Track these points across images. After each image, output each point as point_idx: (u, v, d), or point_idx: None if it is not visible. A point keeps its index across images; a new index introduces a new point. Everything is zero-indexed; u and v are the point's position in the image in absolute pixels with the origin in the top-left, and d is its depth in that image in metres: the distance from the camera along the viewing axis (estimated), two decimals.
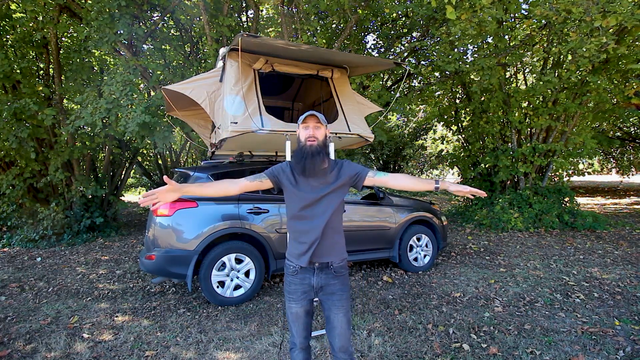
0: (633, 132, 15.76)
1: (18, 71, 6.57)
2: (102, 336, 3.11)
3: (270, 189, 1.89)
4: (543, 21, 6.77)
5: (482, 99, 8.55)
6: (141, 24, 7.26)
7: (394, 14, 8.48)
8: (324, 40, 7.69)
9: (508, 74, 8.59)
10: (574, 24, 5.45)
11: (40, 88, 6.86)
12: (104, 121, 6.27)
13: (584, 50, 5.27)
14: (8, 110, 5.98)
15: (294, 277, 1.87)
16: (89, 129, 6.54)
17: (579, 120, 8.40)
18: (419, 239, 4.86)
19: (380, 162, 17.90)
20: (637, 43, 6.46)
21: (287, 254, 1.92)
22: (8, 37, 7.02)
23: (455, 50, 7.48)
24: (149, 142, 6.44)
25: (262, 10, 8.09)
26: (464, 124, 9.66)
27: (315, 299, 1.90)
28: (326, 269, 1.83)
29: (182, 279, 3.64)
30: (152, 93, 7.50)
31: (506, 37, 7.62)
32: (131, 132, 5.27)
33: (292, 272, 1.87)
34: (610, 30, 6.05)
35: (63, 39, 7.59)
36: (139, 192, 14.54)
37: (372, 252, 4.58)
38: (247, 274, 3.87)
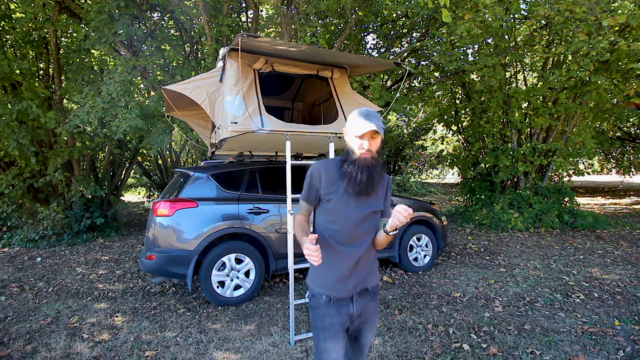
0: (633, 132, 15.75)
1: (18, 72, 6.56)
2: (102, 336, 3.11)
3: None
4: (543, 21, 6.77)
5: (482, 99, 8.55)
6: (141, 24, 7.26)
7: (394, 14, 8.48)
8: (324, 40, 7.70)
9: (508, 74, 8.59)
10: (576, 24, 5.46)
11: (42, 91, 6.82)
12: (103, 121, 6.28)
13: (591, 48, 5.26)
14: (10, 113, 5.98)
15: (328, 308, 1.53)
16: (89, 128, 6.55)
17: (579, 120, 8.40)
18: (419, 239, 4.86)
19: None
20: (637, 42, 6.46)
21: (310, 282, 1.62)
22: (7, 37, 7.01)
23: (456, 50, 7.48)
24: (148, 143, 6.46)
25: (261, 11, 8.09)
26: (464, 124, 9.66)
27: None
28: (364, 293, 1.59)
29: (182, 279, 3.64)
30: (152, 93, 7.51)
31: (506, 37, 7.62)
32: (122, 133, 5.30)
33: (325, 304, 1.54)
34: (617, 28, 6.04)
35: (63, 39, 7.59)
36: (139, 192, 14.50)
37: None
38: (247, 274, 3.87)
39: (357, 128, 1.47)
